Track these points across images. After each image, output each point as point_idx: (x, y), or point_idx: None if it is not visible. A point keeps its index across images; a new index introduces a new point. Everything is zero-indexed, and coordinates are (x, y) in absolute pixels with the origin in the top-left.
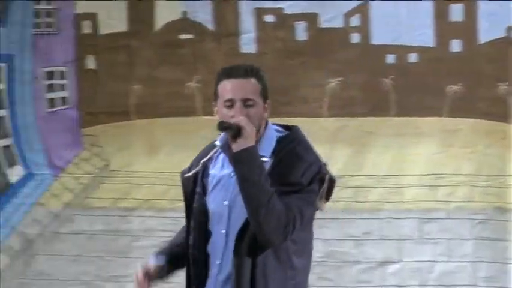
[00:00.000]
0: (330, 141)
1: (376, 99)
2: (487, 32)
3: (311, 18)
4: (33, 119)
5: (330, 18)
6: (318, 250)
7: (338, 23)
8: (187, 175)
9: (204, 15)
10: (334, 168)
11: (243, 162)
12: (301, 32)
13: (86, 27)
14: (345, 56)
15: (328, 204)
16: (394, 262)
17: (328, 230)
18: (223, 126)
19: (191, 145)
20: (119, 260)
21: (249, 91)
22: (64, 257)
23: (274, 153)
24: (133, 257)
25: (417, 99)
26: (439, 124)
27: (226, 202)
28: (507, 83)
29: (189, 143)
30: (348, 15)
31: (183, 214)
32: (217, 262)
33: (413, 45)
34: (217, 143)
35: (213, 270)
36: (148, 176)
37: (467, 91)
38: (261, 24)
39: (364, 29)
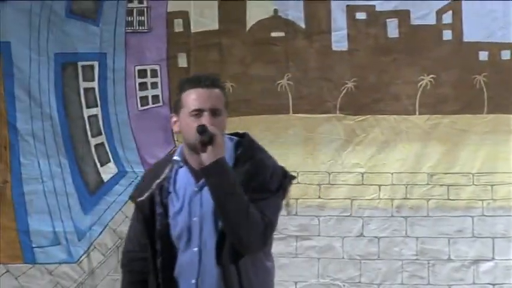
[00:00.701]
0: (422, 139)
1: (468, 97)
2: None
3: (403, 15)
4: (125, 117)
5: (422, 15)
6: (410, 248)
7: (430, 20)
8: (140, 199)
9: (296, 13)
10: (426, 166)
11: (217, 175)
12: (393, 29)
13: (178, 26)
14: (437, 53)
15: (421, 202)
16: (487, 260)
17: (421, 228)
18: (203, 129)
19: (279, 142)
20: None
21: (216, 101)
22: None
23: (235, 161)
24: None
25: (510, 97)
26: None
27: (195, 218)
28: None
29: (278, 140)
30: (440, 12)
31: None
32: (193, 281)
33: (507, 41)
34: (177, 158)
35: None
36: None
37: None
38: (352, 22)
39: (456, 26)
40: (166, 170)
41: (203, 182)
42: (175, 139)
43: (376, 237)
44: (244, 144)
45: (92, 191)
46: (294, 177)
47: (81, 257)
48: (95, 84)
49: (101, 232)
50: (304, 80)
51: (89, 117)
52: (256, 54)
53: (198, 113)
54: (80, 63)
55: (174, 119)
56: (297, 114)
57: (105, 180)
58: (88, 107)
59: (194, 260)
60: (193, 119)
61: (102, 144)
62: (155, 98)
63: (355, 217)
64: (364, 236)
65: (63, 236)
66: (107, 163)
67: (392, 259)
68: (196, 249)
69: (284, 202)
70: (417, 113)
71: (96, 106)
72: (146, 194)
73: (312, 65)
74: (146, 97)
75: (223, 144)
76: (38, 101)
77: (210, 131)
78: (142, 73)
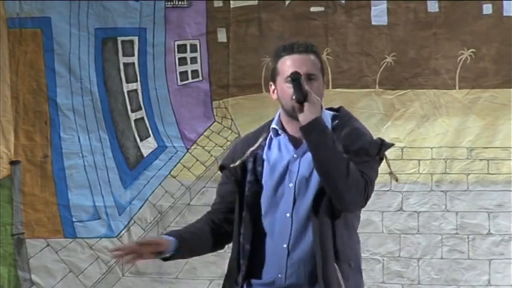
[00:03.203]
0: (462, 114)
1: (508, 71)
2: None
3: None
4: (165, 92)
5: None
6: (450, 222)
7: None
8: (233, 165)
9: None
10: (466, 141)
11: (315, 131)
12: (433, 3)
13: (217, 1)
14: (477, 28)
15: (461, 176)
16: None
17: (460, 203)
18: (296, 76)
19: None
20: None
21: (311, 66)
22: None
23: (333, 130)
24: None
25: None
26: None
27: (291, 184)
28: None
29: None
30: None
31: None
32: (284, 246)
33: None
34: (275, 126)
35: (275, 256)
36: None
37: None
38: None
39: (496, 1)
40: (261, 139)
41: (301, 149)
42: (215, 114)
43: (415, 211)
44: (341, 115)
45: (131, 165)
46: (392, 145)
47: (121, 231)
48: (134, 59)
49: (141, 207)
50: (344, 54)
51: (128, 92)
52: (296, 29)
53: (293, 81)
54: (119, 38)
55: (272, 87)
56: (336, 89)
57: (145, 155)
58: (128, 81)
59: (287, 225)
60: (289, 85)
61: (141, 119)
62: (194, 72)
63: (394, 191)
64: (404, 211)
65: (104, 211)
66: (146, 138)
67: (431, 233)
68: (288, 215)
69: (388, 171)
70: (457, 87)
71: (136, 81)
72: (239, 161)
73: (352, 40)
74: (186, 72)
75: (319, 104)
76: (78, 76)
77: (304, 86)
78: (181, 48)
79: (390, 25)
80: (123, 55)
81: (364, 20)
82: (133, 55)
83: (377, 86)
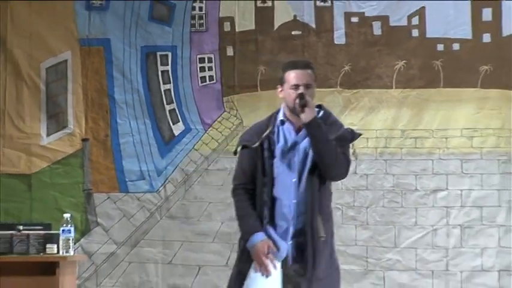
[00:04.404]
0: (396, 106)
1: (430, 76)
2: (508, 28)
3: (384, 19)
4: (190, 90)
5: (398, 19)
6: (389, 182)
7: (403, 22)
8: (254, 145)
9: (309, 17)
10: (400, 125)
11: (315, 127)
12: (377, 29)
13: (226, 27)
14: (408, 46)
15: (396, 149)
16: (443, 190)
17: (396, 168)
18: (302, 96)
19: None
20: None
21: (309, 78)
22: (212, 186)
23: (320, 119)
24: None
25: (459, 76)
26: (475, 93)
27: (295, 158)
28: None
29: None
30: (410, 16)
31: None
32: (294, 201)
33: (457, 37)
34: (282, 118)
35: (286, 209)
36: None
37: (494, 69)
38: (348, 23)
39: (421, 27)
40: (271, 127)
41: (301, 134)
42: (225, 106)
43: (365, 174)
44: (324, 110)
45: (166, 141)
46: (360, 134)
47: (159, 188)
48: (168, 67)
49: (173, 170)
50: (315, 64)
51: (164, 90)
52: (281, 47)
53: (296, 87)
54: (158, 53)
55: (280, 89)
56: None
57: (176, 134)
58: (164, 83)
59: (294, 186)
60: (293, 91)
61: (173, 109)
62: (211, 77)
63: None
64: (357, 173)
65: (147, 174)
66: (177, 122)
67: (376, 189)
68: (295, 179)
69: (351, 151)
70: (394, 87)
71: (170, 83)
72: (258, 142)
73: (320, 54)
74: (204, 77)
75: (314, 107)
76: (129, 79)
77: (306, 98)
78: (201, 60)
79: (347, 44)
80: (161, 65)
81: (329, 40)
82: (168, 64)
83: (338, 87)
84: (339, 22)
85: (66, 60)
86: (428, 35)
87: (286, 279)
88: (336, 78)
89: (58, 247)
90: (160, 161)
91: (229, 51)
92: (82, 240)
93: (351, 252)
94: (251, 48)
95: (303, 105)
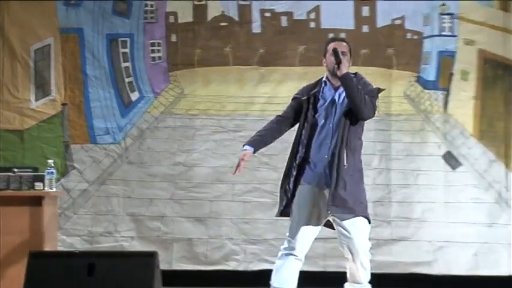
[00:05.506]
0: (298, 80)
1: (319, 57)
2: (381, 21)
3: (289, 14)
4: (143, 67)
5: (299, 14)
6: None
7: (303, 17)
8: (304, 98)
9: (233, 12)
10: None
11: (348, 78)
12: (284, 21)
13: (171, 19)
14: (307, 34)
15: None
16: None
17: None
18: (337, 53)
19: (221, 80)
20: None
21: (343, 48)
22: (160, 139)
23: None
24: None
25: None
26: (358, 70)
27: (334, 109)
28: (393, 48)
29: (222, 79)
30: (309, 12)
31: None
32: (327, 142)
33: (343, 28)
34: (325, 80)
35: (326, 139)
36: (204, 96)
37: (371, 53)
38: (263, 17)
39: (317, 20)
40: (317, 87)
41: (338, 91)
42: (170, 79)
43: None
44: (357, 74)
45: (126, 106)
46: (384, 89)
47: (120, 140)
48: (127, 50)
49: (131, 128)
50: (237, 48)
51: (124, 67)
52: (213, 34)
53: (334, 52)
54: (119, 39)
55: (324, 60)
56: (235, 66)
57: (133, 100)
58: (124, 62)
59: (330, 132)
60: (332, 57)
61: (131, 82)
62: (159, 57)
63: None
64: None
65: (111, 130)
66: (134, 92)
67: None
68: (331, 125)
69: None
70: (297, 65)
71: (128, 61)
72: (306, 96)
73: (242, 40)
74: (154, 57)
75: (348, 65)
76: (97, 59)
77: (340, 56)
78: (152, 44)
79: (262, 33)
80: (121, 48)
81: (248, 30)
82: (127, 48)
83: (255, 65)
84: (256, 16)
85: (49, 44)
86: (322, 26)
87: (318, 196)
88: (253, 59)
89: (44, 185)
90: (121, 120)
91: (173, 38)
92: (62, 180)
93: None
94: (190, 35)
95: (338, 63)
